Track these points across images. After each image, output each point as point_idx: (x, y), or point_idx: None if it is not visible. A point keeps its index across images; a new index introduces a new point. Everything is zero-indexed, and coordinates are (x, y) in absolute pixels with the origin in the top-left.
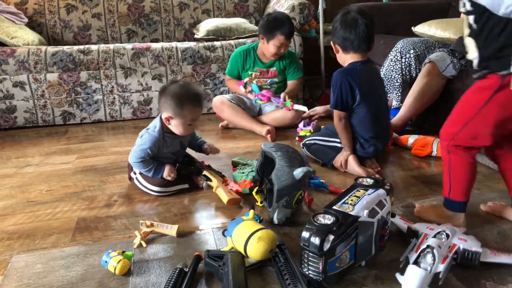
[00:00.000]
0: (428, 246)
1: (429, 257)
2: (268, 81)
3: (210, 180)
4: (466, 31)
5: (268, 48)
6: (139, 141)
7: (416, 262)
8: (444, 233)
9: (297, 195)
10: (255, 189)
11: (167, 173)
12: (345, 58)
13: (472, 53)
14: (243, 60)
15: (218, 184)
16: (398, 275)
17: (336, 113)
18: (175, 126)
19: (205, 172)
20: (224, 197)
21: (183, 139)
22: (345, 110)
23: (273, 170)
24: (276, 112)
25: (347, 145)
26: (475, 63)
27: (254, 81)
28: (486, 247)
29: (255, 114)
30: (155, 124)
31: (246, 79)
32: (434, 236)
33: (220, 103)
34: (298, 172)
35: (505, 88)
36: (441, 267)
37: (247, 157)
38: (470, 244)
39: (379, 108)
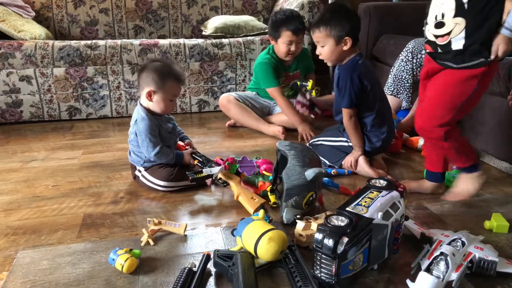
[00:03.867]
0: (441, 253)
1: (442, 265)
2: (290, 83)
3: (228, 184)
4: (451, 10)
5: (279, 48)
6: (140, 139)
7: (428, 269)
8: (460, 241)
9: (308, 196)
10: (269, 188)
11: (187, 158)
12: (346, 52)
13: (458, 36)
14: (273, 68)
15: (238, 190)
16: (409, 282)
17: (346, 112)
18: (157, 102)
19: (220, 175)
20: (249, 209)
21: (169, 120)
22: (355, 107)
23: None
24: (284, 114)
25: (358, 145)
26: (459, 47)
27: None
28: (503, 257)
29: (263, 114)
30: (138, 112)
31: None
32: (449, 243)
33: (226, 102)
34: (310, 173)
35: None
36: (454, 276)
37: (253, 155)
38: (487, 253)
39: (386, 100)
